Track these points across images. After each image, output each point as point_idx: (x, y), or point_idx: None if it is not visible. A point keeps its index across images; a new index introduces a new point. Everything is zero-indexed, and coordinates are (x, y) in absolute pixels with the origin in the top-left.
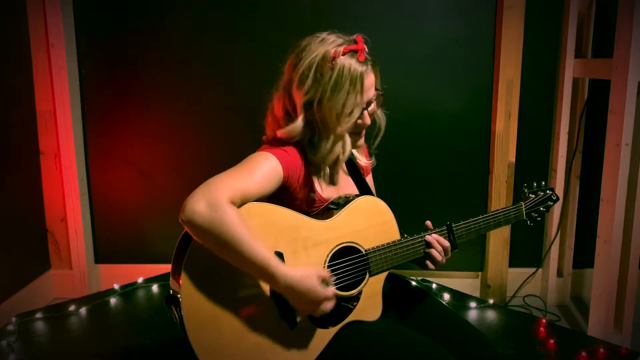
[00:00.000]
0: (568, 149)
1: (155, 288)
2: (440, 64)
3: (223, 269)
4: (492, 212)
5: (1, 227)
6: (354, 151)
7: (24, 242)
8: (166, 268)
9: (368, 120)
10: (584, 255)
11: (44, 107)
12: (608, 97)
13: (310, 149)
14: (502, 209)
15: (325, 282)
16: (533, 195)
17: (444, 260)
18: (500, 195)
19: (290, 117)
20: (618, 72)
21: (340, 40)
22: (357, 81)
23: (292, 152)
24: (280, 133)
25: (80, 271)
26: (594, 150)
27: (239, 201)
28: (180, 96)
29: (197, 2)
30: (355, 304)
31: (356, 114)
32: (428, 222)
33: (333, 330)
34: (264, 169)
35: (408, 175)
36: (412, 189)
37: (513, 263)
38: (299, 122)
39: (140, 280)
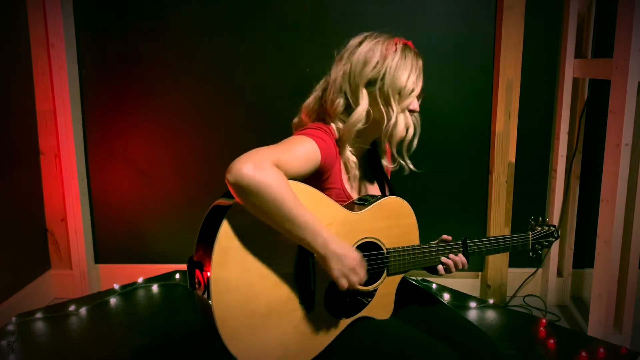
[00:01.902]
0: (568, 149)
1: (155, 288)
2: (440, 64)
3: (256, 240)
4: (502, 236)
5: (1, 227)
6: (381, 152)
7: (24, 242)
8: (166, 268)
9: (417, 106)
10: (584, 255)
11: (44, 107)
12: (608, 97)
13: (366, 136)
14: (511, 235)
15: None
16: (539, 228)
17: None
18: (500, 196)
19: (349, 106)
20: (618, 72)
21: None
22: (417, 63)
23: (329, 142)
24: (344, 128)
25: (80, 271)
26: (594, 150)
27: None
28: (181, 96)
29: (197, 2)
30: (369, 299)
31: (415, 93)
32: (446, 236)
33: (345, 322)
34: (303, 149)
35: (407, 175)
36: (411, 188)
37: (513, 263)
38: (364, 103)
39: (140, 280)
